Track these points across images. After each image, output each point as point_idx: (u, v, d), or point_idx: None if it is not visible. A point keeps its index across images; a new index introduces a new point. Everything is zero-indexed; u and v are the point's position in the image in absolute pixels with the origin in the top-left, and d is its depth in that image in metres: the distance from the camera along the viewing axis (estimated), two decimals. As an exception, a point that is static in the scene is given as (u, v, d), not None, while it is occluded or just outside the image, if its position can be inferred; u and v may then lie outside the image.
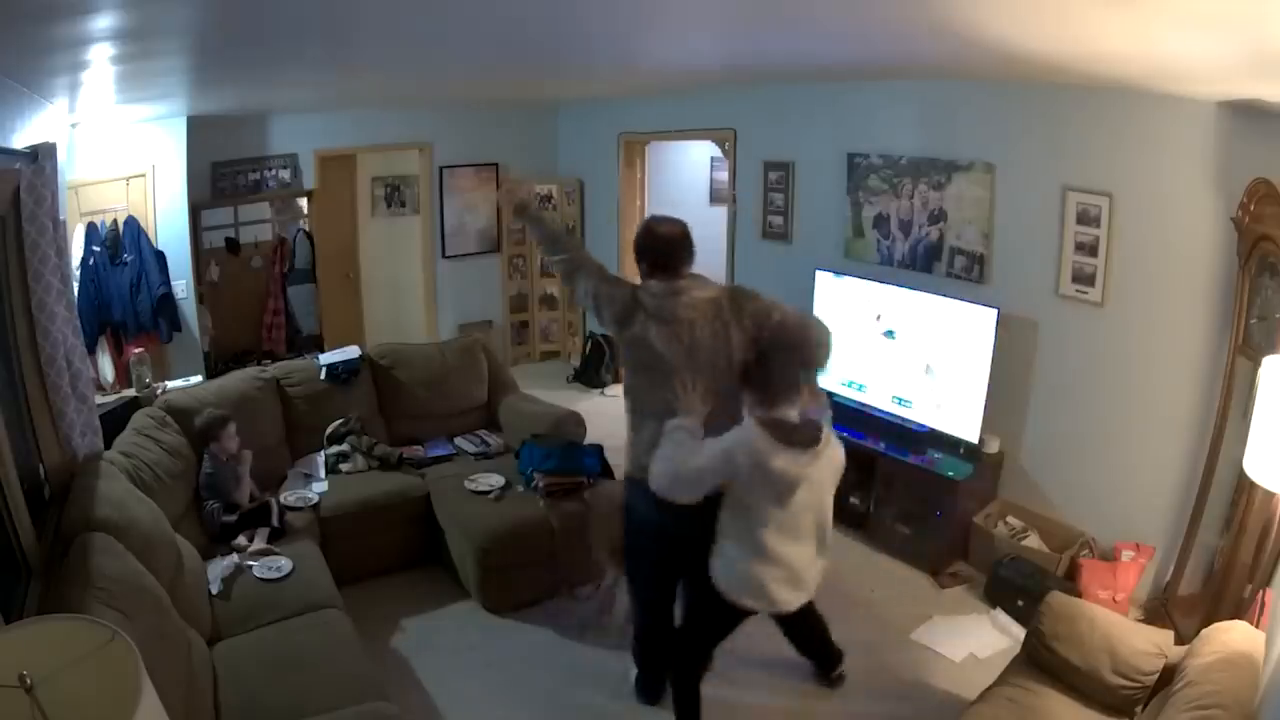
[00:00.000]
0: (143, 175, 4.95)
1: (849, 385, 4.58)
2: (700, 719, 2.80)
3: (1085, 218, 3.69)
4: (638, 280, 2.71)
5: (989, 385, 3.90)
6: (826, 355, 2.67)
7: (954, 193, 4.25)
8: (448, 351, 4.86)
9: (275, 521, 3.49)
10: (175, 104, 4.51)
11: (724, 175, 6.15)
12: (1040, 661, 2.64)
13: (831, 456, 2.54)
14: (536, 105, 7.00)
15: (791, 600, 2.59)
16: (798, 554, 2.53)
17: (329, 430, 4.20)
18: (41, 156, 2.71)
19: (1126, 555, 3.55)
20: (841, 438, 4.39)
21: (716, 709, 3.12)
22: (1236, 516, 2.92)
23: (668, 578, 2.87)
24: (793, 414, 2.45)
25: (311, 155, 6.04)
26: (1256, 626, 2.35)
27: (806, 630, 3.12)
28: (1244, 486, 2.81)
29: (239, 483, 3.58)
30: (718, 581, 2.56)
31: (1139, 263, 3.55)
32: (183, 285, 5.17)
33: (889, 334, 4.34)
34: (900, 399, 4.33)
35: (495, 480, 3.93)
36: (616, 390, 6.68)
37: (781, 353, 2.49)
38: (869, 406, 4.47)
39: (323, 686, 2.52)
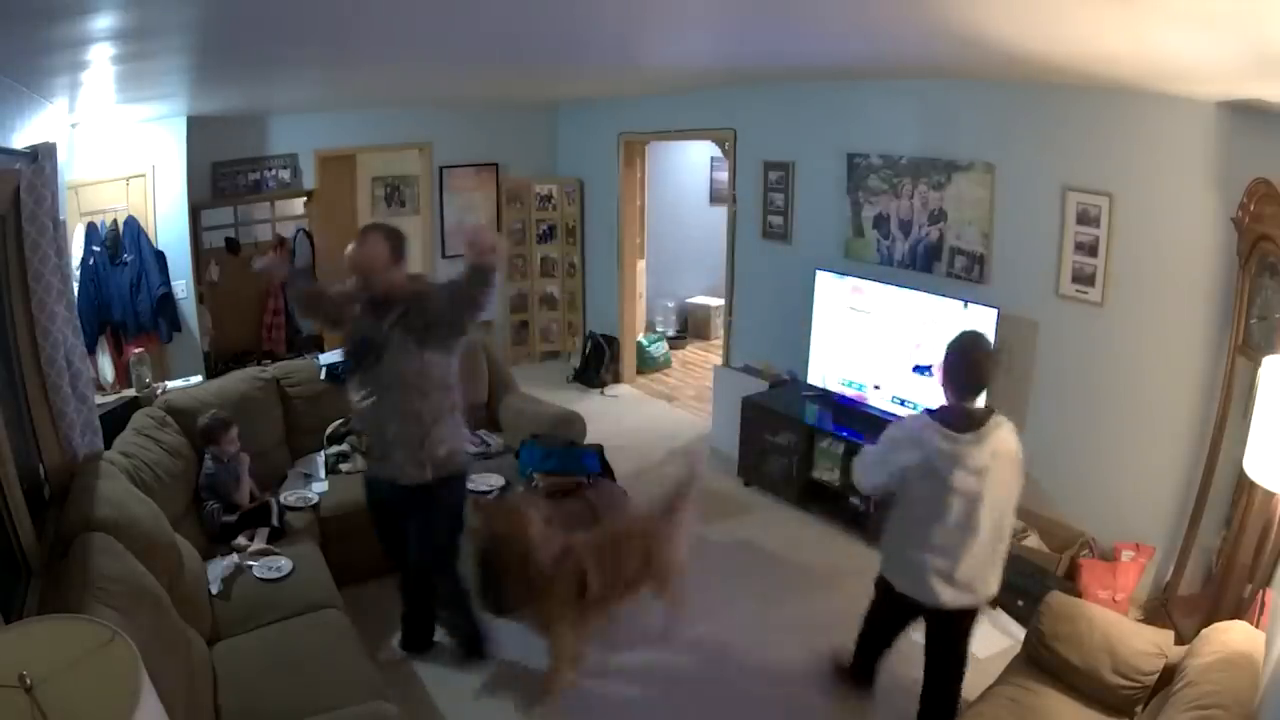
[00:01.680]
0: (143, 175, 4.95)
1: (849, 385, 4.58)
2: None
3: (1085, 218, 3.69)
4: None
5: (988, 385, 3.90)
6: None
7: (954, 193, 4.25)
8: (448, 351, 4.85)
9: (275, 521, 3.49)
10: (175, 104, 4.52)
11: (724, 175, 6.16)
12: (1040, 661, 2.64)
13: (999, 440, 2.48)
14: (536, 105, 7.00)
15: (944, 596, 2.52)
16: (960, 544, 2.47)
17: (329, 430, 4.20)
18: (41, 156, 2.71)
19: (1126, 555, 3.55)
20: (841, 438, 4.44)
21: (716, 709, 3.13)
22: (1236, 516, 2.92)
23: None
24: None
25: (311, 155, 6.04)
26: (1256, 626, 2.35)
27: (946, 645, 2.72)
28: (1244, 486, 2.81)
29: (239, 483, 3.58)
30: (883, 569, 2.73)
31: (1139, 263, 3.55)
32: (183, 285, 5.17)
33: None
34: (901, 399, 4.33)
35: (495, 480, 3.93)
36: (617, 390, 6.70)
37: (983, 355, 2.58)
38: (869, 406, 4.47)
39: (323, 686, 2.52)
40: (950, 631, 2.68)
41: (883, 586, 2.79)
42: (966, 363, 2.54)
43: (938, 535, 2.50)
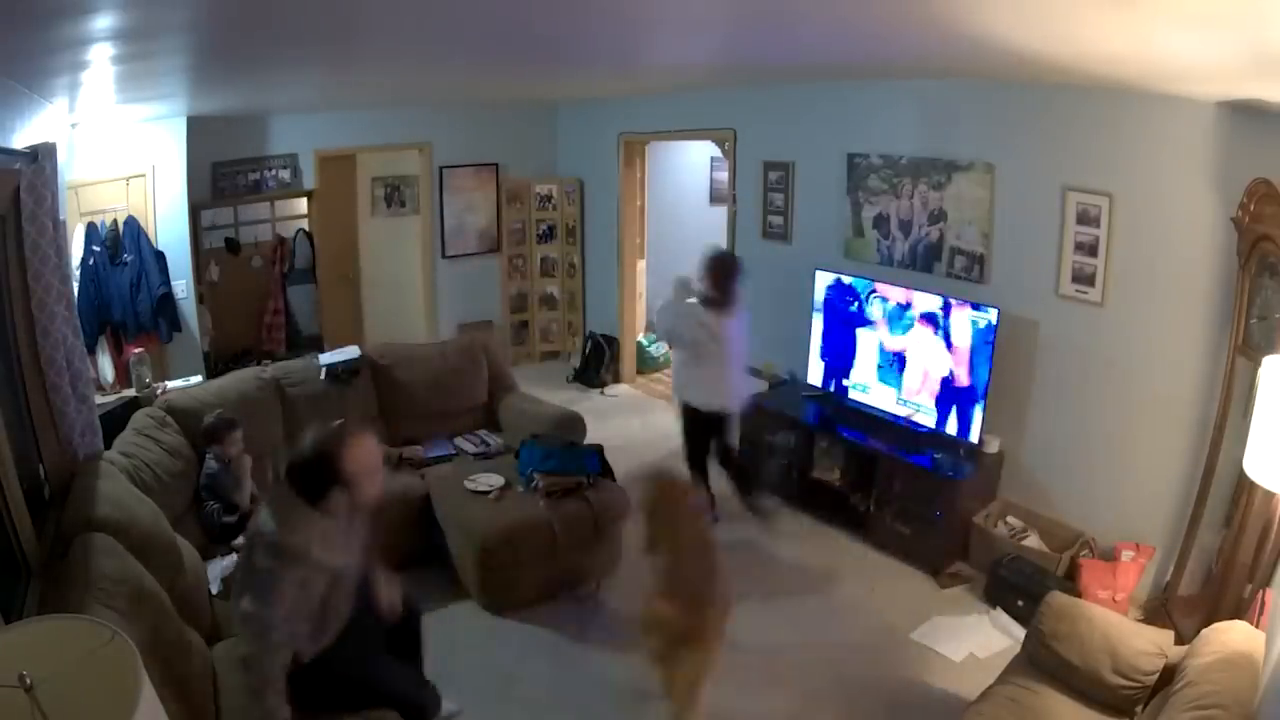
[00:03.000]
0: (143, 175, 4.95)
1: (856, 388, 4.58)
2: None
3: (1085, 218, 3.69)
4: None
5: (989, 385, 3.91)
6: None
7: (954, 193, 4.25)
8: (448, 351, 4.86)
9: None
10: (175, 104, 4.51)
11: (724, 175, 6.15)
12: (1040, 661, 2.64)
13: (734, 314, 4.09)
14: (536, 105, 7.00)
15: (714, 404, 4.19)
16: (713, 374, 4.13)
17: (329, 430, 4.20)
18: (41, 156, 2.71)
19: (1126, 555, 3.55)
20: (842, 438, 4.46)
21: (717, 710, 3.12)
22: (1236, 516, 2.92)
23: None
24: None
25: (311, 155, 6.05)
26: (1256, 626, 2.35)
27: (719, 434, 4.32)
28: (1244, 486, 2.81)
29: (239, 484, 3.58)
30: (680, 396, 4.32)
31: (1139, 263, 3.55)
32: (183, 285, 5.17)
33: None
34: (902, 399, 4.33)
35: (495, 480, 3.93)
36: (617, 390, 6.70)
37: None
38: (870, 407, 4.47)
39: (323, 686, 2.51)
40: (719, 425, 4.28)
41: (683, 406, 4.34)
42: (718, 268, 4.09)
43: (700, 370, 4.14)
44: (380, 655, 2.59)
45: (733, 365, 4.17)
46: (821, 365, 4.74)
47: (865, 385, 4.51)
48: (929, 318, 4.15)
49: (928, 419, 4.19)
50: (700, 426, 4.29)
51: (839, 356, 4.63)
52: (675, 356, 4.39)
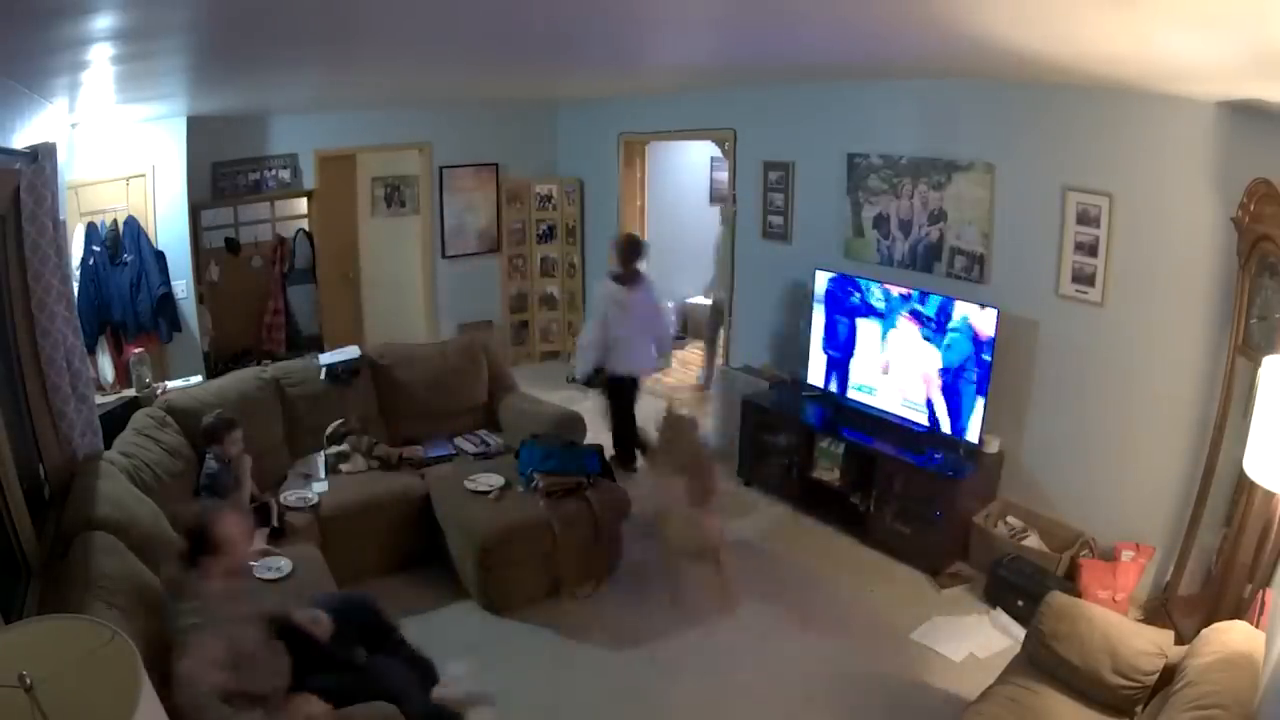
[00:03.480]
0: (143, 175, 4.95)
1: (859, 389, 4.58)
2: None
3: (1085, 218, 3.69)
4: None
5: (989, 385, 3.91)
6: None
7: (954, 193, 4.25)
8: (448, 351, 4.87)
9: (275, 521, 3.49)
10: (175, 104, 4.51)
11: (724, 175, 6.15)
12: (1040, 661, 2.64)
13: (646, 287, 4.86)
14: (536, 105, 7.00)
15: (627, 370, 4.87)
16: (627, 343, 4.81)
17: (328, 430, 4.20)
18: (41, 156, 2.72)
19: (1126, 555, 3.55)
20: (842, 438, 4.46)
21: (716, 710, 3.13)
22: (1236, 516, 2.92)
23: None
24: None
25: (311, 155, 6.05)
26: (1256, 626, 2.35)
27: (628, 398, 4.95)
28: (1244, 486, 2.81)
29: (239, 484, 3.58)
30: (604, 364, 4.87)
31: (1139, 263, 3.55)
32: (183, 285, 5.17)
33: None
34: (906, 402, 4.33)
35: (495, 480, 3.93)
36: (616, 390, 6.68)
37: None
38: (870, 407, 4.47)
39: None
40: (632, 389, 4.94)
41: (605, 375, 4.87)
42: (624, 249, 4.85)
43: (619, 340, 4.76)
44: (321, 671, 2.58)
45: (640, 334, 4.85)
46: (823, 359, 4.72)
47: (865, 385, 4.50)
48: (916, 315, 4.15)
49: (927, 418, 4.18)
50: (619, 392, 4.93)
51: (841, 348, 4.62)
52: (595, 332, 4.87)
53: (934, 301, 4.11)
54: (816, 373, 4.77)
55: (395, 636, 2.92)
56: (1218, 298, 3.27)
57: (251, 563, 3.18)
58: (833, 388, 4.68)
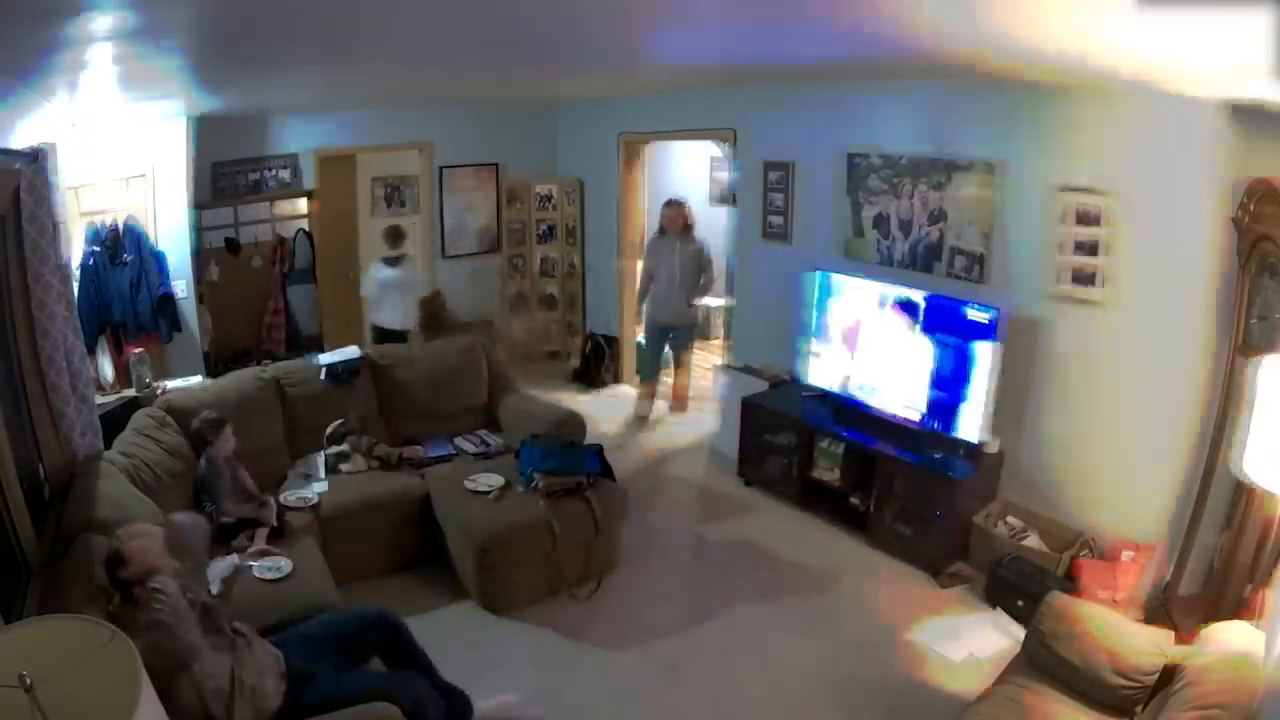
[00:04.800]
0: (143, 176, 4.95)
1: (859, 389, 4.58)
2: None
3: (1085, 218, 3.69)
4: None
5: (989, 385, 3.91)
6: None
7: (954, 193, 4.25)
8: (448, 351, 4.87)
9: (275, 521, 3.49)
10: (176, 104, 4.51)
11: (724, 175, 6.15)
12: (1040, 661, 2.65)
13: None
14: (536, 105, 7.00)
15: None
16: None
17: (329, 430, 4.20)
18: (41, 156, 2.72)
19: (1126, 555, 3.55)
20: (842, 437, 4.46)
21: (716, 710, 3.13)
22: (1236, 516, 2.92)
23: None
24: None
25: (311, 155, 6.04)
26: (1256, 626, 2.35)
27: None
28: (1244, 486, 2.81)
29: (235, 485, 3.57)
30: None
31: (1139, 263, 3.55)
32: (183, 285, 5.17)
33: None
34: (907, 404, 4.32)
35: (495, 480, 3.93)
36: (617, 390, 6.69)
37: None
38: (870, 407, 4.47)
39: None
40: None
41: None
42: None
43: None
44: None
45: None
46: (824, 358, 4.71)
47: (866, 385, 4.50)
48: (916, 314, 4.15)
49: (928, 419, 4.18)
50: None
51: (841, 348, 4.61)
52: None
53: (934, 301, 4.11)
54: (817, 373, 4.77)
55: (423, 660, 2.89)
56: (1218, 298, 3.26)
57: (251, 563, 3.19)
58: (833, 388, 4.68)
